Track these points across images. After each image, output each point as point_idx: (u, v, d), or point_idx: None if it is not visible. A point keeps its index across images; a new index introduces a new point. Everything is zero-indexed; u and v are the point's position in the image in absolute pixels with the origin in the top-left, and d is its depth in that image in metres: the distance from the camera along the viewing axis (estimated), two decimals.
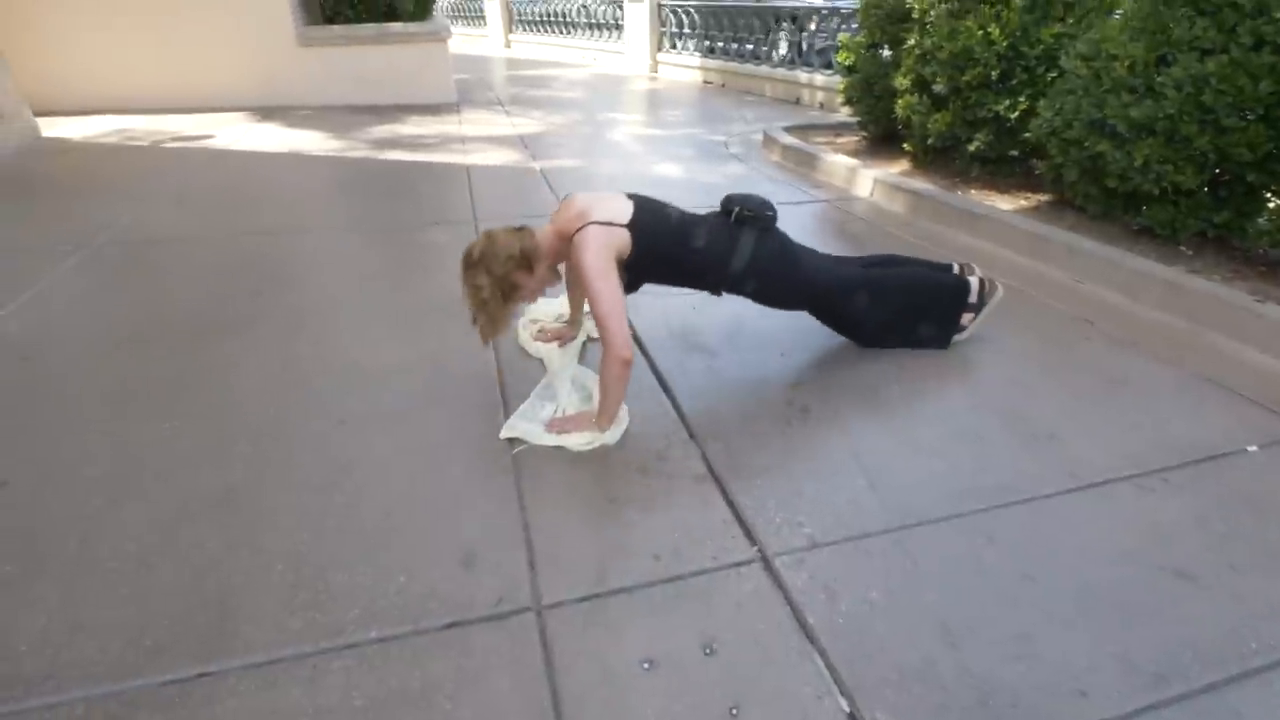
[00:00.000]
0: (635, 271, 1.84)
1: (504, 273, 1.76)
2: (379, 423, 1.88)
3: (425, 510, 1.57)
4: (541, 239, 1.84)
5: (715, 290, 2.02)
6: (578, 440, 1.78)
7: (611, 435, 1.80)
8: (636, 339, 2.35)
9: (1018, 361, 2.24)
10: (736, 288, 2.00)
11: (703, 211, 2.03)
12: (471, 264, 1.77)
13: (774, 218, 1.96)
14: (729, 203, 1.97)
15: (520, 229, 1.84)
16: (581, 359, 2.20)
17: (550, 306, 2.48)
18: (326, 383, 2.07)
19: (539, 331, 2.31)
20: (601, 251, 1.72)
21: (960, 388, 2.11)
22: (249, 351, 2.24)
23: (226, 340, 2.31)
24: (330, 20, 6.76)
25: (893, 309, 2.19)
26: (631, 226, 1.79)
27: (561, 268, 1.98)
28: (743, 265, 1.92)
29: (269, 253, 3.07)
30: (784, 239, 2.03)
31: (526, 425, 1.83)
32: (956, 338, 2.29)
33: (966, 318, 2.26)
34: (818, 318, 2.24)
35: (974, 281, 2.24)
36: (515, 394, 2.01)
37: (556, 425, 1.82)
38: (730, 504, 1.61)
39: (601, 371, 1.77)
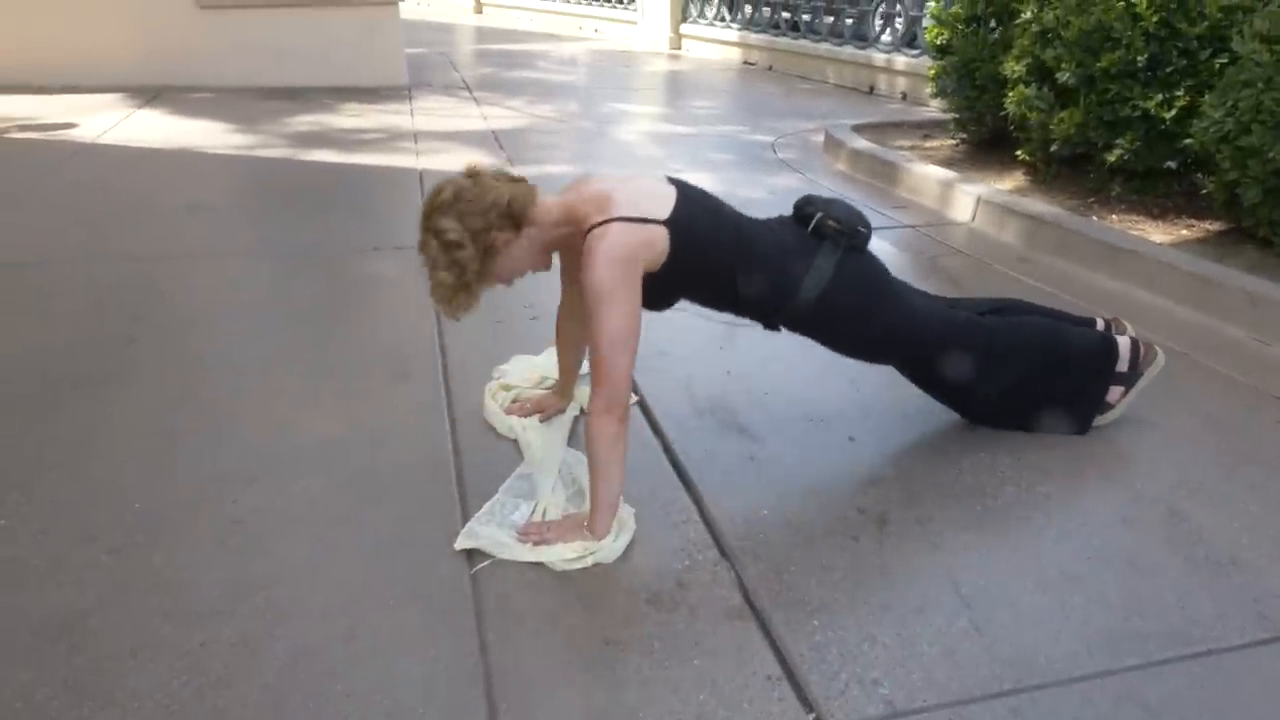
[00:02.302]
0: (668, 285, 1.87)
1: (481, 226, 1.77)
2: (289, 525, 1.89)
3: (346, 654, 1.56)
4: (543, 211, 1.86)
5: (771, 323, 2.05)
6: (563, 554, 1.78)
7: (610, 548, 1.80)
8: (645, 412, 2.38)
9: (1185, 456, 2.24)
10: (801, 323, 2.03)
11: (767, 216, 2.07)
12: (439, 205, 1.78)
13: (867, 236, 2.01)
14: (807, 206, 2.01)
15: (518, 178, 1.87)
16: (572, 440, 2.22)
17: (530, 366, 2.53)
18: (219, 466, 2.09)
19: (514, 402, 2.34)
20: (621, 263, 1.74)
21: (1104, 490, 2.10)
22: (113, 422, 2.27)
23: (81, 405, 2.34)
24: None
25: (1014, 373, 2.21)
26: (671, 224, 1.81)
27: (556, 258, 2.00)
28: (815, 294, 1.94)
29: (146, 286, 3.14)
30: (876, 265, 2.08)
31: (492, 532, 1.84)
32: (1099, 419, 2.30)
33: (1114, 393, 2.28)
34: (909, 377, 2.27)
35: (1124, 344, 2.27)
36: (478, 487, 2.02)
37: (534, 533, 1.83)
38: (776, 651, 1.59)
39: (588, 435, 1.77)
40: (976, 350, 2.16)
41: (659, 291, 1.88)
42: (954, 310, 2.25)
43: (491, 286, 1.89)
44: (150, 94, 6.55)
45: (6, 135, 5.28)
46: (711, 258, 1.90)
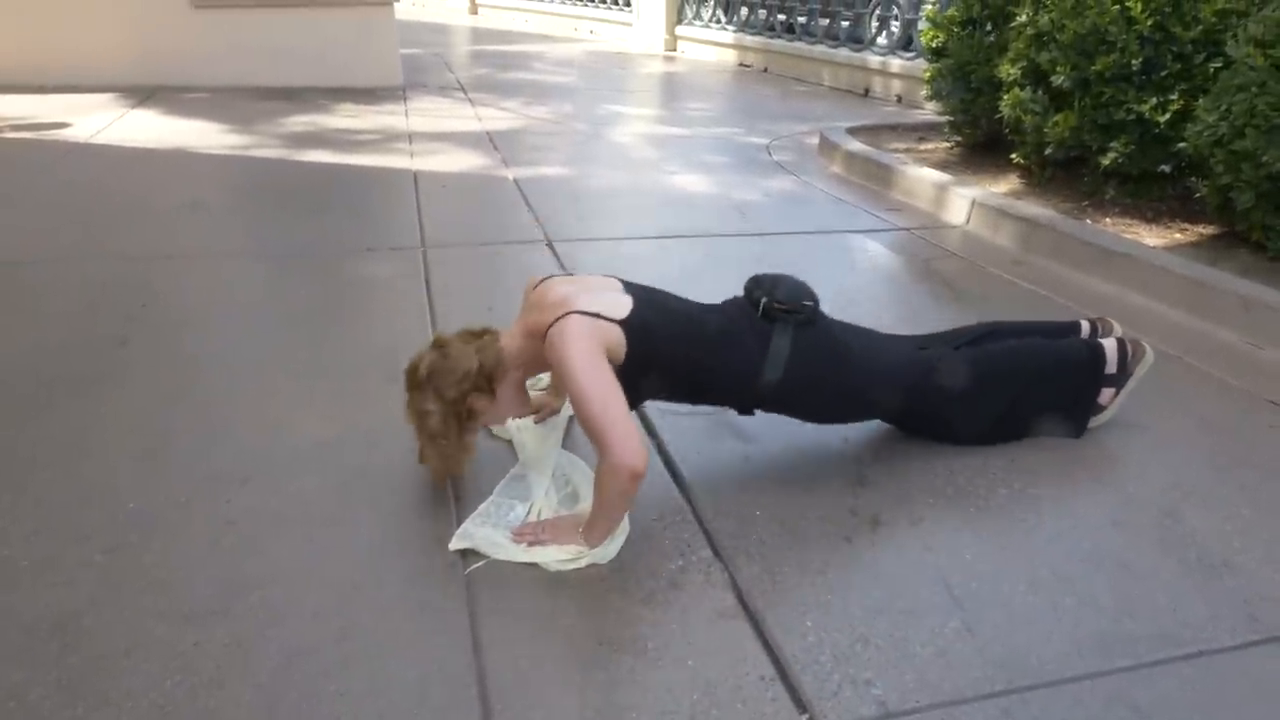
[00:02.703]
0: (629, 383, 1.86)
1: (457, 395, 1.85)
2: (283, 525, 1.89)
3: (340, 655, 1.57)
4: (507, 344, 1.93)
5: (744, 408, 2.10)
6: (556, 555, 1.79)
7: (604, 550, 1.81)
8: (640, 413, 2.38)
9: (1176, 458, 2.25)
10: (772, 403, 2.07)
11: (718, 300, 2.10)
12: (417, 384, 1.87)
13: (814, 308, 2.03)
14: (756, 289, 2.04)
15: (481, 333, 1.94)
16: (566, 441, 2.22)
17: None
18: (213, 466, 2.09)
19: None
20: (585, 339, 1.78)
21: (1096, 492, 2.11)
22: (106, 422, 2.27)
23: (75, 405, 2.34)
24: None
25: (1001, 400, 2.23)
26: (627, 324, 1.85)
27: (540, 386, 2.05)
28: (779, 374, 1.98)
29: (140, 286, 3.15)
30: (833, 333, 2.10)
31: (486, 533, 1.84)
32: (1092, 421, 2.32)
33: (1105, 394, 2.30)
34: (894, 425, 2.30)
35: (1111, 345, 2.28)
36: (473, 488, 2.02)
37: (528, 533, 1.83)
38: (770, 652, 1.60)
39: (599, 482, 1.78)
40: (954, 387, 2.17)
41: (625, 391, 1.86)
42: (925, 352, 2.26)
43: (474, 443, 1.98)
44: (144, 94, 6.54)
45: (0, 135, 5.27)
46: (669, 353, 1.93)
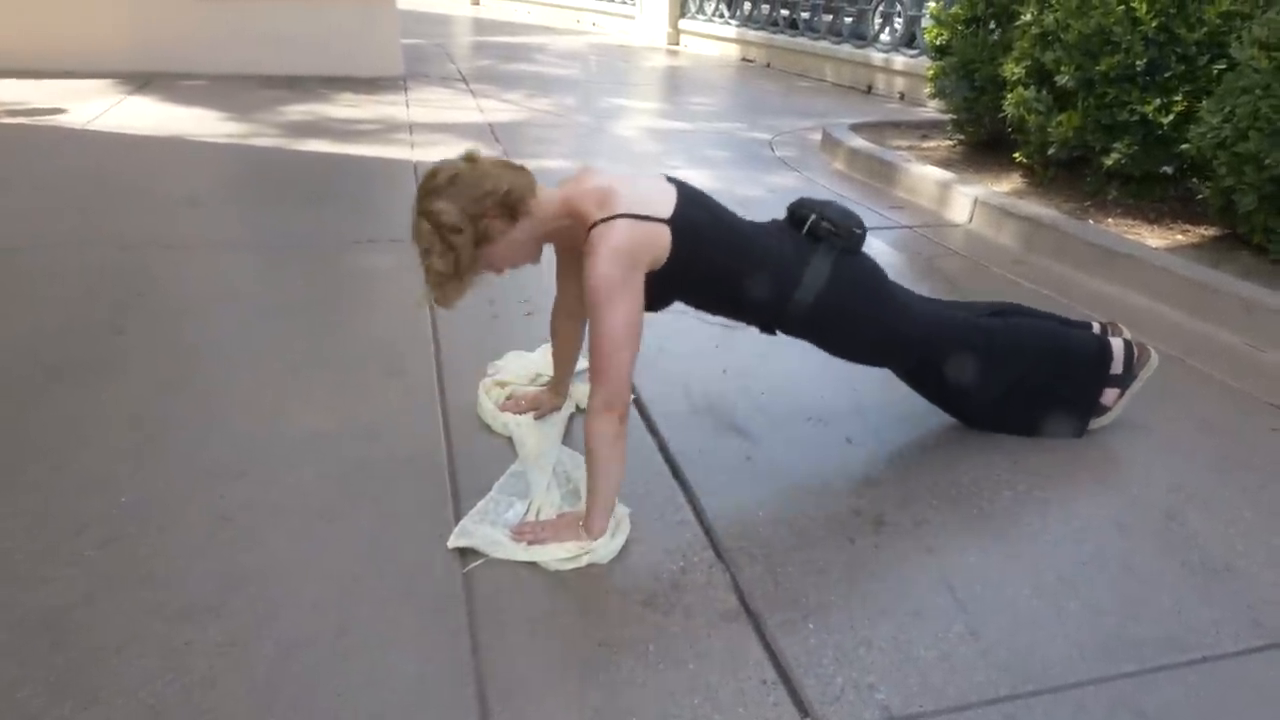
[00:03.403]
0: (667, 286, 1.85)
1: (477, 212, 1.75)
2: (280, 519, 1.87)
3: (336, 652, 1.55)
4: (541, 203, 1.83)
5: (768, 326, 2.05)
6: (556, 554, 1.77)
7: (604, 549, 1.79)
8: (642, 411, 2.36)
9: (1179, 460, 2.24)
10: (798, 326, 2.03)
11: (762, 220, 2.06)
12: (435, 189, 1.76)
13: (862, 237, 2.00)
14: (801, 209, 2.01)
15: (518, 166, 1.85)
16: (567, 438, 2.20)
17: (524, 363, 2.51)
18: (209, 460, 2.07)
19: (508, 398, 2.33)
20: (625, 261, 1.72)
21: (1100, 495, 2.10)
22: (100, 411, 2.25)
23: (69, 394, 2.32)
24: None
25: (1013, 375, 2.21)
26: (674, 223, 1.79)
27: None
28: (811, 297, 1.94)
29: (136, 275, 3.12)
30: (872, 267, 2.07)
31: (485, 531, 1.82)
32: (1094, 422, 2.30)
33: (1110, 395, 2.28)
34: (906, 380, 2.27)
35: (1118, 346, 2.27)
36: (471, 485, 2.00)
37: (528, 532, 1.81)
38: (772, 655, 1.58)
39: (587, 433, 1.76)
40: (975, 352, 2.16)
41: (658, 292, 1.86)
42: (951, 312, 2.24)
43: (481, 275, 1.87)
44: (142, 80, 6.49)
45: None
46: (711, 259, 1.88)
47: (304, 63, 6.98)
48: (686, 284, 1.91)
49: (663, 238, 1.78)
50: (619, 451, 1.78)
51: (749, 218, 2.05)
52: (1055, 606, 1.72)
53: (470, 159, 1.82)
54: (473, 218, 1.75)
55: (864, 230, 2.01)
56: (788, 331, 2.05)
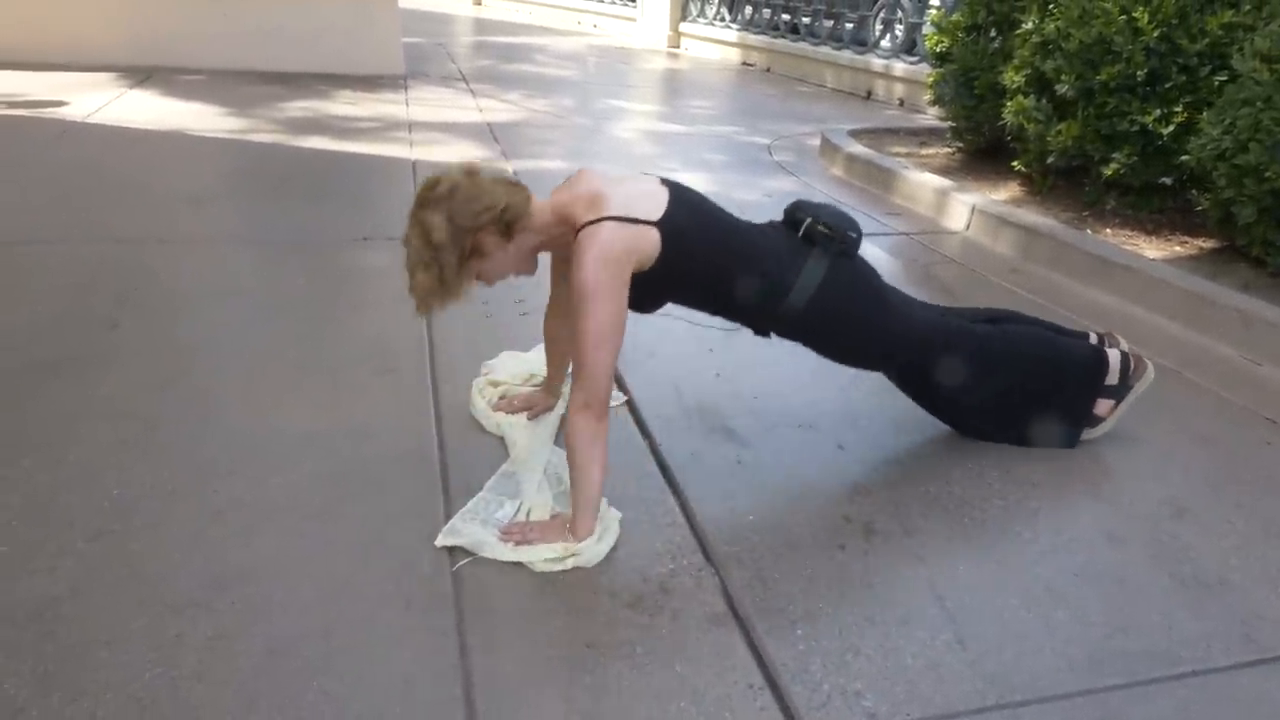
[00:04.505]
0: (657, 287, 1.87)
1: (470, 226, 1.76)
2: (270, 517, 1.87)
3: (324, 651, 1.54)
4: (536, 216, 1.85)
5: (761, 329, 2.05)
6: (544, 555, 1.77)
7: (590, 552, 1.79)
8: (634, 414, 2.36)
9: (1173, 473, 2.24)
10: (791, 329, 2.03)
11: (769, 215, 2.06)
12: (432, 200, 1.77)
13: (857, 241, 2.01)
14: (797, 211, 2.01)
15: (516, 183, 1.87)
16: (558, 439, 2.20)
17: (518, 363, 2.51)
18: (202, 456, 2.06)
19: (501, 399, 2.32)
20: (610, 263, 1.74)
21: (1091, 506, 2.10)
22: (94, 406, 2.24)
23: (61, 388, 2.31)
24: None
25: (1007, 381, 2.22)
26: (663, 225, 1.80)
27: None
28: (805, 299, 1.94)
29: (132, 269, 3.11)
30: (867, 271, 2.08)
31: (474, 530, 1.82)
32: (1088, 433, 2.30)
33: (1103, 406, 2.28)
34: (899, 385, 2.27)
35: (1115, 357, 2.27)
36: (462, 484, 2.00)
37: (516, 532, 1.81)
38: (759, 660, 1.58)
39: (567, 432, 1.77)
40: (968, 357, 2.16)
41: (648, 293, 1.88)
42: (946, 317, 2.24)
43: (469, 289, 1.87)
44: (143, 74, 6.49)
45: None
46: (702, 260, 1.89)
47: (305, 59, 6.98)
48: (677, 285, 1.92)
49: (650, 239, 1.79)
50: (599, 450, 1.78)
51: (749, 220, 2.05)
52: (1044, 617, 1.72)
53: (469, 172, 1.83)
54: (465, 232, 1.77)
55: (859, 234, 2.01)
56: (781, 333, 2.06)
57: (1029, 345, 2.26)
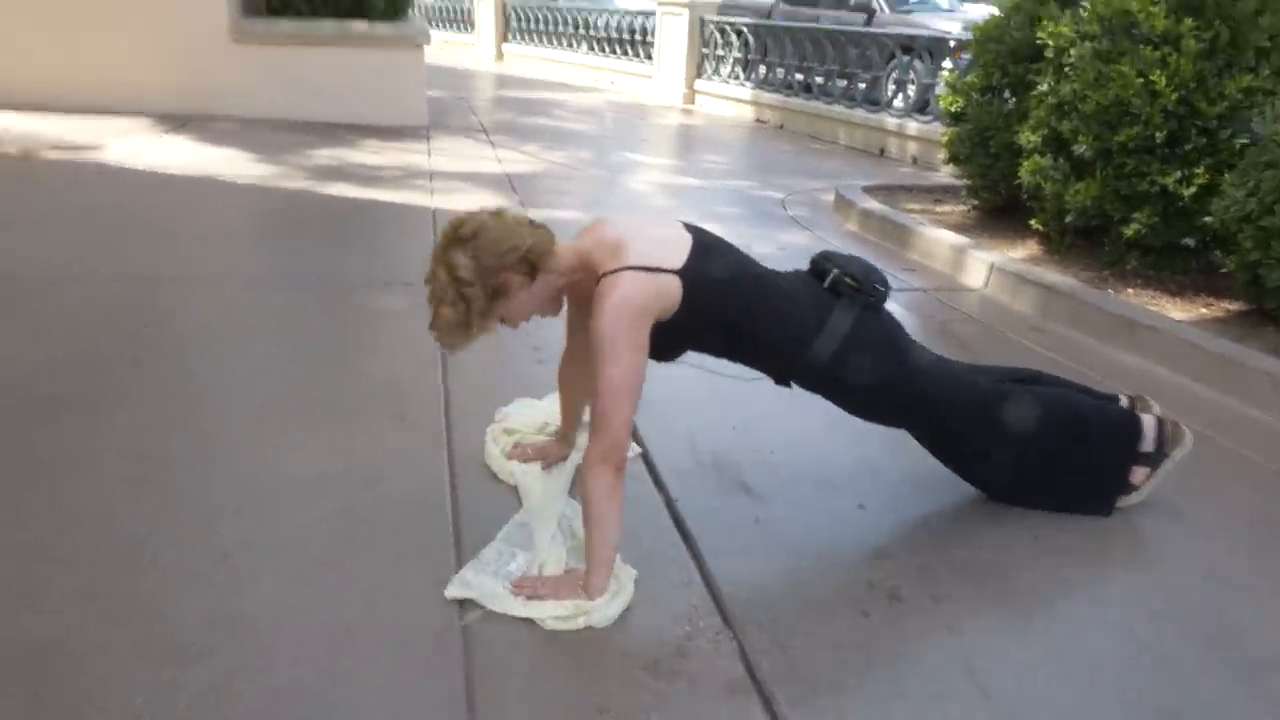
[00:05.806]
0: (677, 335, 1.82)
1: (497, 265, 1.73)
2: (277, 560, 1.81)
3: (323, 705, 1.46)
4: (559, 259, 1.82)
5: (783, 379, 2.00)
6: (554, 611, 1.69)
7: (603, 612, 1.70)
8: (649, 467, 2.28)
9: (1217, 545, 2.13)
10: (813, 380, 1.97)
11: (784, 269, 2.02)
12: (457, 240, 1.74)
13: (884, 294, 1.96)
14: (825, 263, 1.97)
15: (540, 226, 1.83)
16: (573, 489, 2.12)
17: (533, 411, 2.45)
18: (211, 496, 2.01)
19: (515, 447, 2.25)
20: (630, 313, 1.70)
21: (1127, 576, 2.00)
22: (105, 440, 2.20)
23: (74, 421, 2.27)
24: (277, 12, 7.14)
25: (1034, 443, 2.11)
26: (685, 274, 1.76)
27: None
28: (829, 352, 1.89)
29: (156, 307, 3.09)
30: (893, 325, 2.02)
31: (485, 582, 1.75)
32: (1123, 501, 2.19)
33: (1139, 474, 2.17)
34: (922, 443, 2.18)
35: (1149, 423, 2.16)
36: (474, 532, 1.93)
37: (527, 587, 1.74)
38: None
39: (582, 485, 1.71)
40: (994, 417, 2.07)
41: (669, 341, 1.82)
42: (973, 375, 2.16)
43: (494, 329, 1.83)
44: (180, 121, 6.56)
45: (37, 154, 5.26)
46: (724, 308, 1.84)
47: (333, 110, 7.06)
48: (698, 333, 1.87)
49: (672, 288, 1.75)
50: (616, 505, 1.71)
51: None
52: (1086, 699, 1.61)
53: (497, 214, 1.81)
54: (491, 271, 1.73)
55: (887, 288, 1.96)
56: (802, 384, 2.00)
57: (1057, 407, 2.15)
